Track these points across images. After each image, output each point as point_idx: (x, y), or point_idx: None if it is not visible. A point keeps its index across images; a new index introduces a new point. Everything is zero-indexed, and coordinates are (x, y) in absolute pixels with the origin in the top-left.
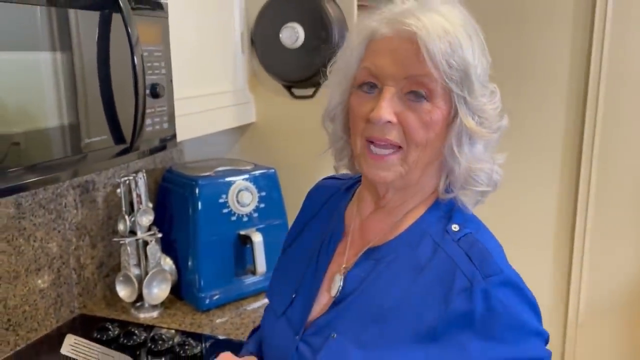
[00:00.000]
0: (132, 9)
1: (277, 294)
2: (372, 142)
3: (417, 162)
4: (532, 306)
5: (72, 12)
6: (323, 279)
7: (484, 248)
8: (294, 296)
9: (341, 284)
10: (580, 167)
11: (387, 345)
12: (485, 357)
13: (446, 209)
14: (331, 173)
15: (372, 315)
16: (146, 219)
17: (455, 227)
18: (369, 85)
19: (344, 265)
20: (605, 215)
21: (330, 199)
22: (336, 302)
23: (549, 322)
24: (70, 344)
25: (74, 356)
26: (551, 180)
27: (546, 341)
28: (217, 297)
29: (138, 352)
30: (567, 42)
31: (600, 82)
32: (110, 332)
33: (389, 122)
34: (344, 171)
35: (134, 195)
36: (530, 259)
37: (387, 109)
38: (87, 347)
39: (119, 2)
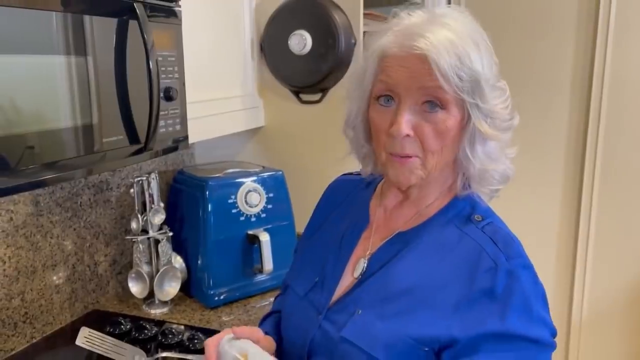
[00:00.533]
0: (148, 16)
1: (299, 278)
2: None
3: (436, 166)
4: (543, 292)
5: (89, 18)
6: (347, 263)
7: (507, 234)
8: (317, 280)
9: (365, 265)
10: (583, 171)
11: (409, 316)
12: (499, 329)
13: (466, 202)
14: (336, 175)
15: (395, 291)
16: (158, 218)
17: (478, 217)
18: (385, 98)
19: (369, 251)
20: (608, 217)
21: (352, 193)
22: (360, 282)
23: None
24: (85, 336)
25: (88, 347)
26: (554, 183)
27: (553, 335)
28: (225, 294)
29: (149, 346)
30: (570, 43)
31: (604, 86)
32: (122, 326)
33: (407, 135)
34: (370, 173)
35: (147, 195)
36: (533, 262)
37: (404, 124)
38: (100, 340)
39: (135, 10)
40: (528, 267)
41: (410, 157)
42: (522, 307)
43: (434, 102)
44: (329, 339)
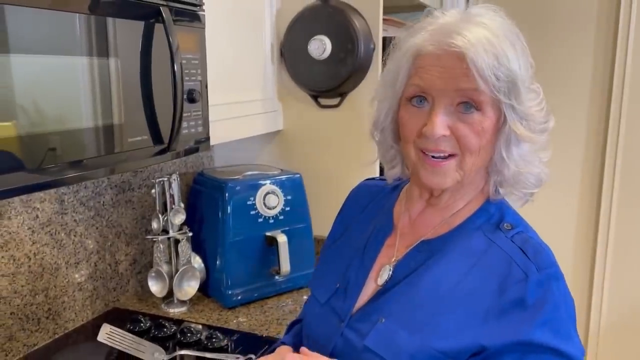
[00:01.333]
0: (173, 20)
1: (320, 285)
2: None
3: (472, 167)
4: (573, 309)
5: (112, 20)
6: (371, 270)
7: (537, 244)
8: (337, 286)
9: (390, 273)
10: (603, 173)
11: (436, 327)
12: (527, 338)
13: (496, 209)
14: (353, 179)
15: (422, 301)
16: (178, 218)
17: (507, 226)
18: (418, 99)
19: (394, 258)
20: (629, 221)
21: (376, 198)
22: (384, 290)
23: None
24: (106, 332)
25: (109, 344)
26: (573, 185)
27: (583, 354)
28: (242, 295)
29: (168, 344)
30: (590, 44)
31: (625, 86)
32: (142, 324)
33: (443, 135)
34: (395, 177)
35: (168, 195)
36: None
37: (440, 125)
38: (121, 336)
39: (162, 14)
40: (559, 278)
41: (446, 159)
42: (552, 318)
43: (469, 104)
44: (352, 347)
